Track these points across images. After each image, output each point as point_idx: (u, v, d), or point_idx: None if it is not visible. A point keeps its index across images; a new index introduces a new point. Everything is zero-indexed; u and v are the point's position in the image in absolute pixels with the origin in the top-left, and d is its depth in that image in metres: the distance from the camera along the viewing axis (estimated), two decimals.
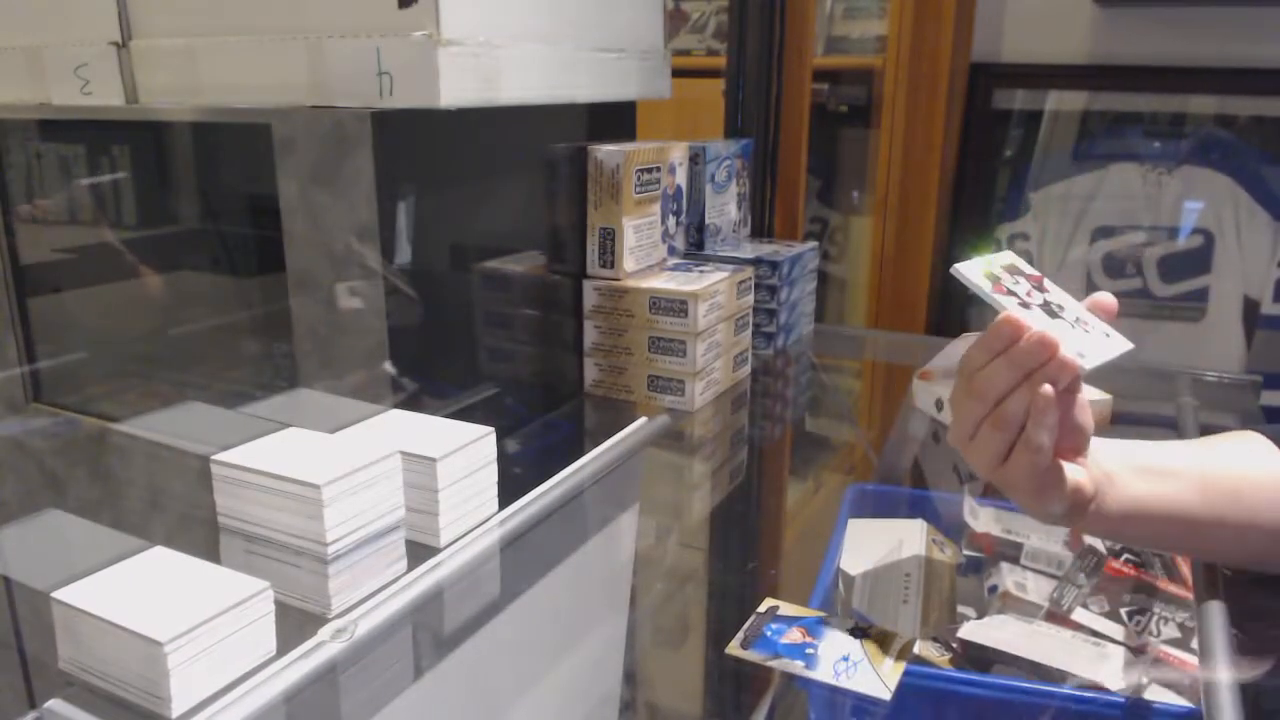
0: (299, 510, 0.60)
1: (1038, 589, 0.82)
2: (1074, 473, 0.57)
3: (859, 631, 0.66)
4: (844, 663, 0.63)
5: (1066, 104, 1.59)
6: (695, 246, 1.23)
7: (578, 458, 0.85)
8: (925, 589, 0.81)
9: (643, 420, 0.96)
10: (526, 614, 0.71)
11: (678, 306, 0.98)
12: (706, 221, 1.22)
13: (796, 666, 0.63)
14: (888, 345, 1.51)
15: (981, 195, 1.66)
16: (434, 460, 0.66)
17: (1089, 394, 0.58)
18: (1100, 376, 0.60)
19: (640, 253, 1.04)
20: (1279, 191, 1.47)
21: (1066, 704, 0.66)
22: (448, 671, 0.64)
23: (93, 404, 1.15)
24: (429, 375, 0.94)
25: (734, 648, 0.65)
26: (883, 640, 0.65)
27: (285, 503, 0.60)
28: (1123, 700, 0.66)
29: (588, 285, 1.02)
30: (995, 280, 0.60)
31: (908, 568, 0.84)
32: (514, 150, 1.03)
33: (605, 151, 0.99)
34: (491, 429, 0.71)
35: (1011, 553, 0.86)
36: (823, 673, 0.62)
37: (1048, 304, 0.60)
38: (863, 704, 0.61)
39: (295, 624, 0.58)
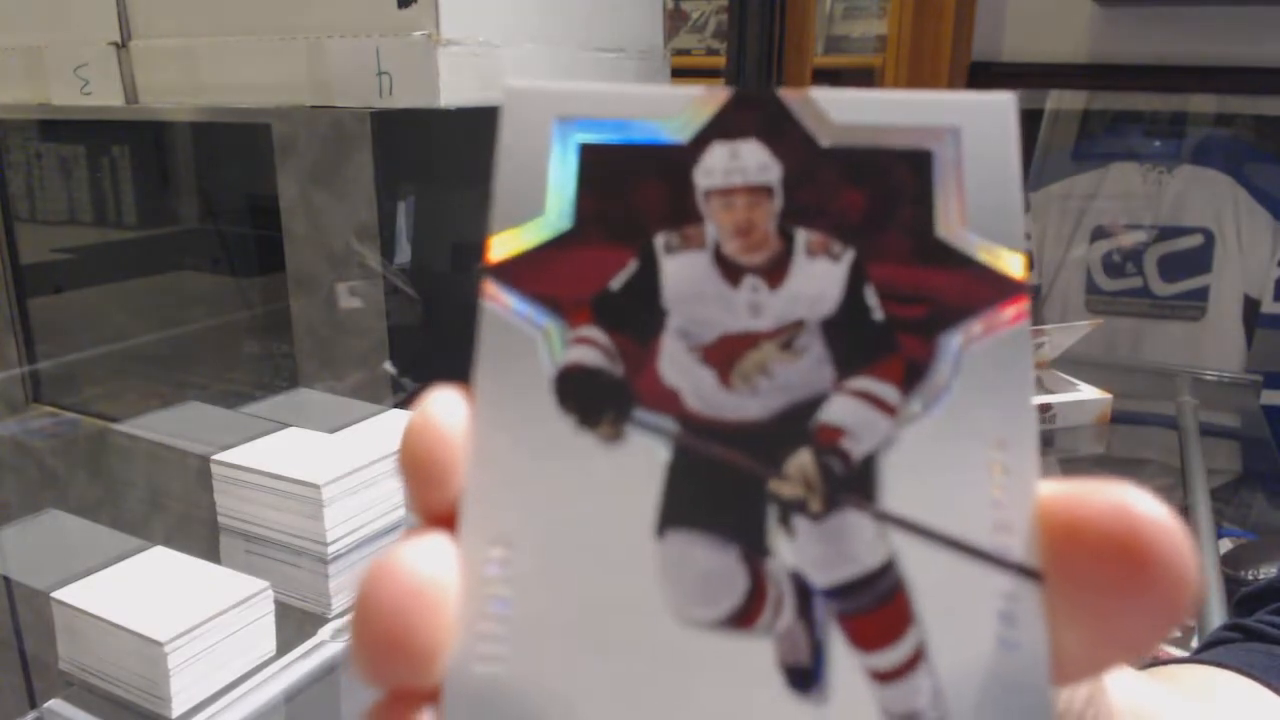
0: (299, 510, 0.60)
1: None
2: None
3: None
4: None
5: (1066, 103, 1.59)
6: None
7: None
8: None
9: None
10: None
11: None
12: None
13: None
14: None
15: None
16: None
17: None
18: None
19: None
20: (1279, 191, 1.47)
21: None
22: None
23: (93, 404, 1.15)
24: (429, 375, 0.94)
25: None
26: None
27: (285, 503, 0.60)
28: None
29: None
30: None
31: None
32: None
33: None
34: None
35: None
36: None
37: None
38: None
39: (295, 624, 0.58)
